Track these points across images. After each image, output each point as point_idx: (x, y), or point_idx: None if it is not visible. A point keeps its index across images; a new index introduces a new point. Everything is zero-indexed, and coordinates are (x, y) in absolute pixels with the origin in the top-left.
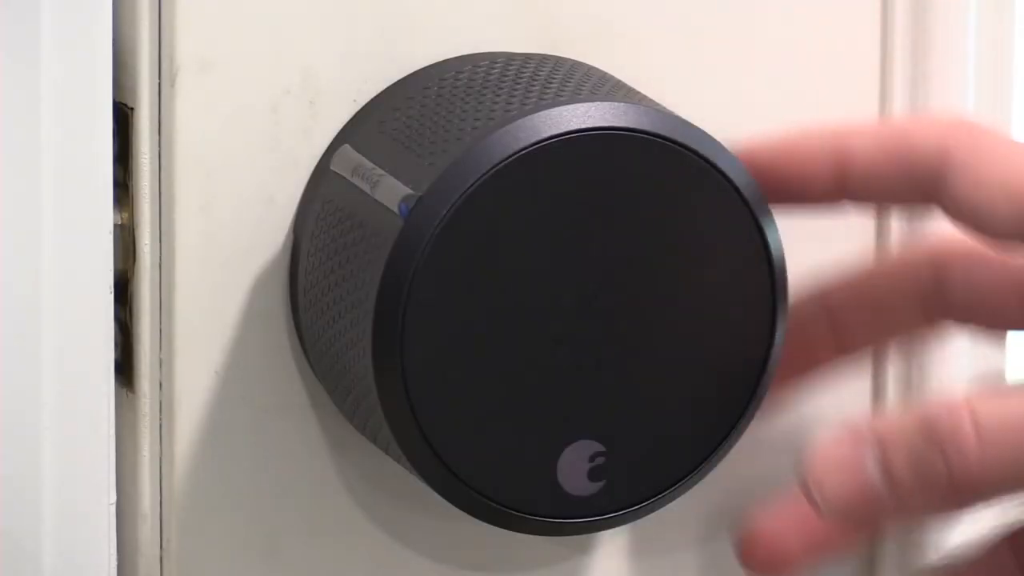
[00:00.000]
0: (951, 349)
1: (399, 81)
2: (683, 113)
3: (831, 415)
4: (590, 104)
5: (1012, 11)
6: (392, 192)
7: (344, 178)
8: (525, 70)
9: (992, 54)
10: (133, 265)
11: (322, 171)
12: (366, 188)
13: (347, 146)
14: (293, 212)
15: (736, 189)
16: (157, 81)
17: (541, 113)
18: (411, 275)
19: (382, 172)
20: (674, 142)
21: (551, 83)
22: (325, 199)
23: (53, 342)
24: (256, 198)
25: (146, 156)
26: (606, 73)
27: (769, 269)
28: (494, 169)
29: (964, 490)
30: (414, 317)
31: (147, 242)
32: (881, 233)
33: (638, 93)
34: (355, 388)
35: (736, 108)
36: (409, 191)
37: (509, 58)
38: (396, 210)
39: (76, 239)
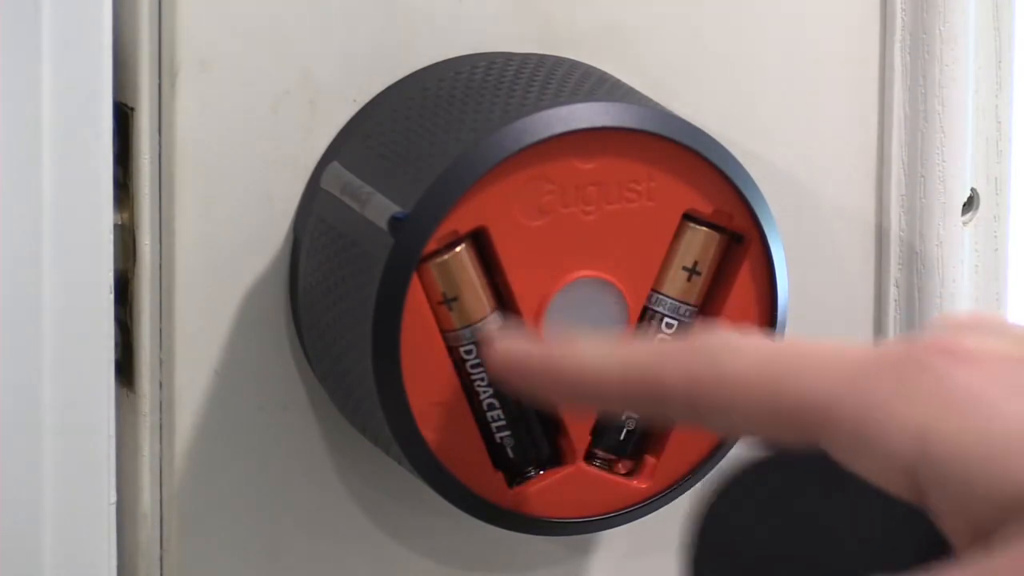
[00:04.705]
0: None
1: (395, 84)
2: (683, 113)
3: None
4: (589, 104)
5: (1011, 10)
6: (381, 210)
7: (335, 196)
8: (524, 70)
9: (992, 53)
10: (133, 265)
11: (319, 177)
12: (356, 207)
13: (336, 163)
14: (293, 212)
15: (736, 188)
16: (157, 81)
17: (531, 117)
18: (405, 283)
19: (371, 190)
20: (674, 142)
21: (550, 83)
22: (318, 217)
23: (53, 342)
24: (256, 198)
25: (146, 156)
26: (605, 73)
27: (769, 268)
28: (479, 179)
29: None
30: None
31: (147, 242)
32: (881, 230)
33: (638, 93)
34: (355, 390)
35: (736, 108)
36: (397, 208)
37: (508, 58)
38: (385, 228)
39: (76, 239)
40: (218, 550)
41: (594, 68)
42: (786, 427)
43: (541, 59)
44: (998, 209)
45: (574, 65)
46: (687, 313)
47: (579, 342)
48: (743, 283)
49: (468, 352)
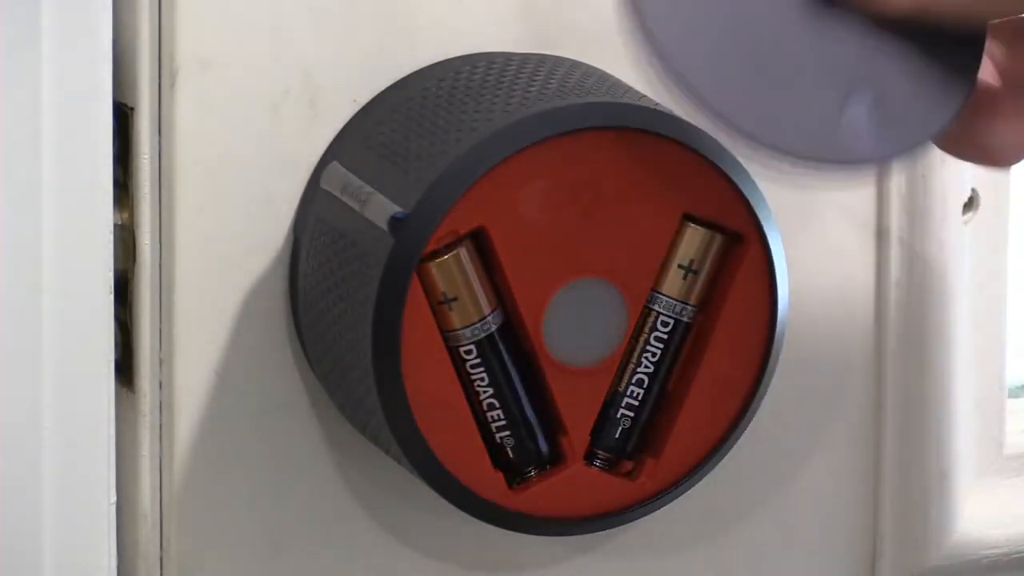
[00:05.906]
0: (954, 362)
1: (395, 84)
2: (683, 113)
3: (827, 425)
4: (588, 104)
5: None
6: (381, 210)
7: (335, 196)
8: (524, 70)
9: None
10: (133, 265)
11: (319, 177)
12: (356, 207)
13: (335, 163)
14: (293, 212)
15: (736, 188)
16: (157, 81)
17: (531, 117)
18: (405, 283)
19: (371, 190)
20: (674, 142)
21: (550, 83)
22: (318, 217)
23: (53, 342)
24: (256, 198)
25: (146, 156)
26: (605, 72)
27: (769, 268)
28: (479, 179)
29: None
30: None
31: (147, 242)
32: (881, 230)
33: (637, 92)
34: (355, 390)
35: None
36: (397, 208)
37: (508, 58)
38: (385, 228)
39: (76, 239)
40: (218, 550)
41: (594, 68)
42: None
43: (541, 59)
44: (998, 209)
45: (574, 65)
46: (687, 313)
47: None
48: (743, 283)
49: (468, 352)
